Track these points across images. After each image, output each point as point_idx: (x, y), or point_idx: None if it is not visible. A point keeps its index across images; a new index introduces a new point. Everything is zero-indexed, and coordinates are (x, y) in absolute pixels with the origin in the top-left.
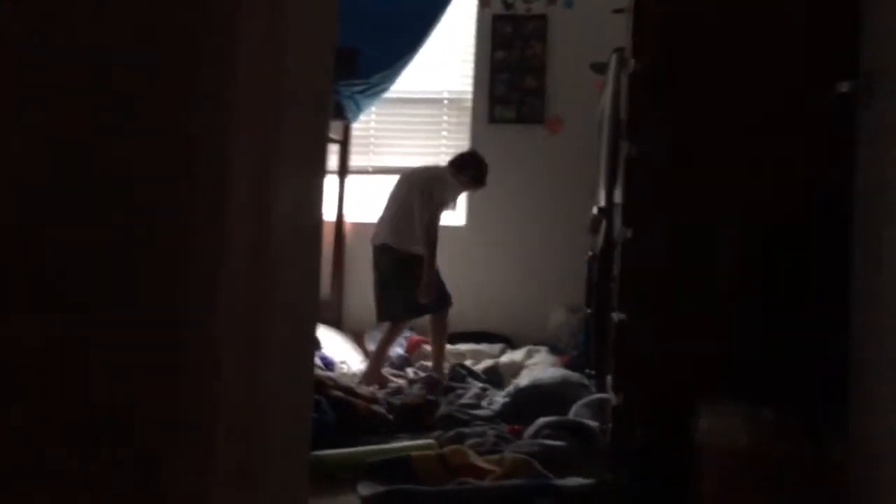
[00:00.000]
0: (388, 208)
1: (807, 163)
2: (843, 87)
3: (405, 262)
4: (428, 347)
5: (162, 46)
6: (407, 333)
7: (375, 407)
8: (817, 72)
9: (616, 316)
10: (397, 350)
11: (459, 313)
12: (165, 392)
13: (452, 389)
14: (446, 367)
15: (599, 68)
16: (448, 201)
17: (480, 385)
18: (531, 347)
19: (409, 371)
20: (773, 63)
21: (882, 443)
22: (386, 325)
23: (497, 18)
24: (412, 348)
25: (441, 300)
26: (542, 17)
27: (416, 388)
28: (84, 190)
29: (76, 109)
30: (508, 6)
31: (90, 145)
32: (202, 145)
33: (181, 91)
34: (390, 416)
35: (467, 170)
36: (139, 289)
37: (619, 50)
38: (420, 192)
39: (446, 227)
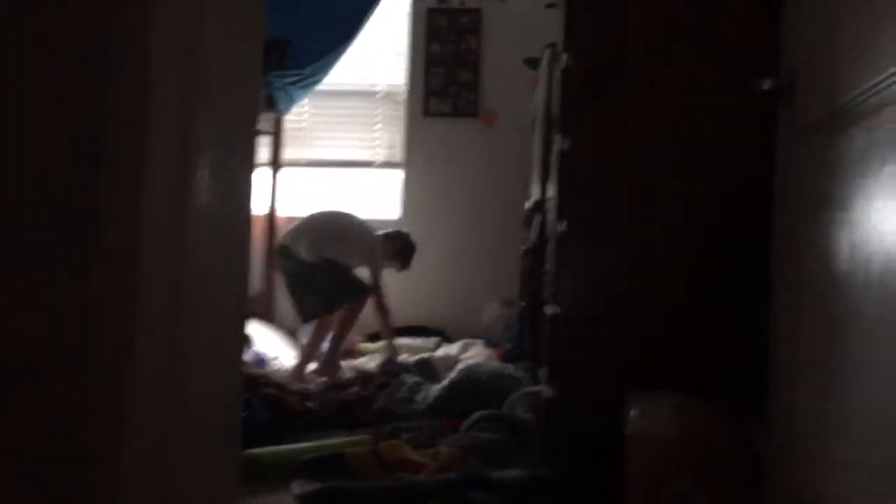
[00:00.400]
0: (314, 228)
1: (735, 159)
2: (766, 84)
3: (316, 264)
4: (361, 345)
5: (71, 28)
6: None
7: (309, 403)
8: (743, 68)
9: (550, 309)
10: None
11: (394, 308)
12: (74, 396)
13: (387, 384)
14: (376, 359)
15: (533, 63)
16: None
17: (414, 379)
18: (467, 341)
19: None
20: (701, 59)
21: (797, 432)
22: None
23: (432, 11)
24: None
25: (358, 290)
26: (477, 11)
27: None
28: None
29: None
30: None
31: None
32: (114, 135)
33: (92, 77)
34: (324, 413)
35: (396, 248)
36: (47, 287)
37: (552, 45)
38: (370, 253)
39: (382, 221)
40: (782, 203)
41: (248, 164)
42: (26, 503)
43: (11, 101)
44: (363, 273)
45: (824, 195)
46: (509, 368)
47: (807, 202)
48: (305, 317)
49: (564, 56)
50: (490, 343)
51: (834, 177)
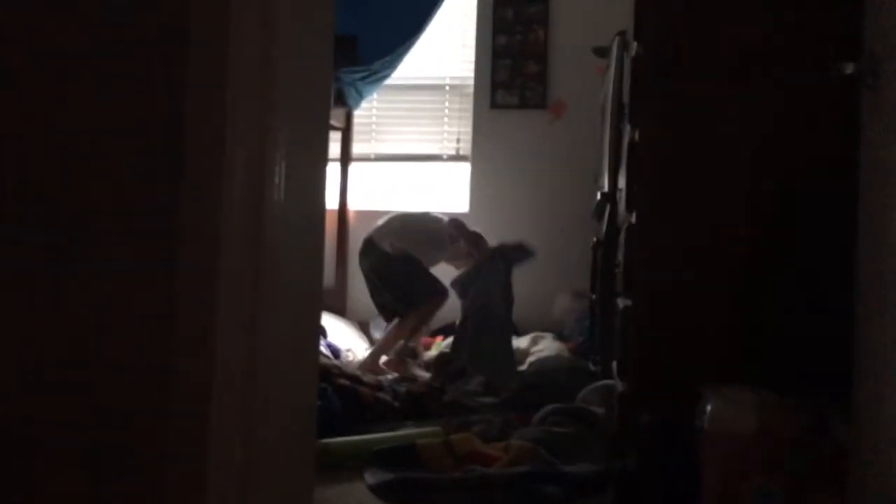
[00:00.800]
0: (402, 226)
1: (812, 145)
2: (848, 68)
3: (398, 259)
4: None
5: (152, 32)
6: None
7: (381, 394)
8: (822, 52)
9: (621, 302)
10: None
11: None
12: (159, 382)
13: (461, 376)
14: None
15: (602, 52)
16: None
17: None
18: (536, 334)
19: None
20: (777, 44)
21: (885, 425)
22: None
23: (498, 3)
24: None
25: (435, 291)
26: (544, 1)
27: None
28: (76, 187)
29: (63, 102)
30: None
31: (80, 139)
32: (195, 133)
33: (172, 79)
34: (396, 404)
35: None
36: (133, 288)
37: (622, 33)
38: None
39: (451, 214)
40: (868, 190)
41: (322, 160)
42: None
43: (96, 101)
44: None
45: None
46: (581, 362)
47: (894, 188)
48: (382, 312)
49: (635, 44)
50: (561, 336)
51: None
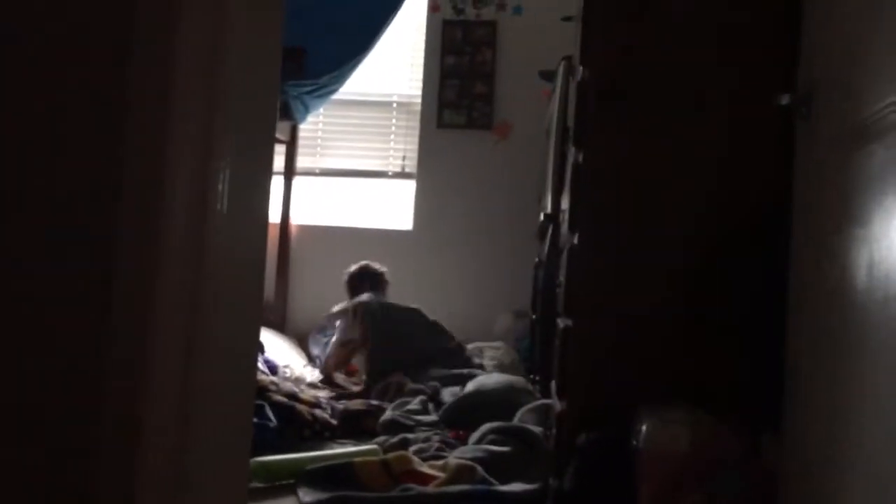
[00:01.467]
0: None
1: (751, 174)
2: (784, 99)
3: None
4: None
5: (94, 33)
6: None
7: (318, 412)
8: (763, 83)
9: (561, 321)
10: None
11: None
12: (88, 395)
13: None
14: None
15: (548, 76)
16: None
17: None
18: (479, 344)
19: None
20: (719, 74)
21: (812, 449)
22: None
23: (447, 24)
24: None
25: None
26: (492, 24)
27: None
28: (13, 191)
29: None
30: (459, 11)
31: (18, 149)
32: (136, 141)
33: (114, 82)
34: (334, 422)
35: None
36: (68, 293)
37: (568, 58)
38: None
39: (393, 231)
40: (800, 219)
41: (266, 171)
42: None
43: (31, 101)
44: None
45: (843, 211)
46: (520, 381)
47: (825, 218)
48: None
49: (580, 69)
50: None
51: (853, 193)
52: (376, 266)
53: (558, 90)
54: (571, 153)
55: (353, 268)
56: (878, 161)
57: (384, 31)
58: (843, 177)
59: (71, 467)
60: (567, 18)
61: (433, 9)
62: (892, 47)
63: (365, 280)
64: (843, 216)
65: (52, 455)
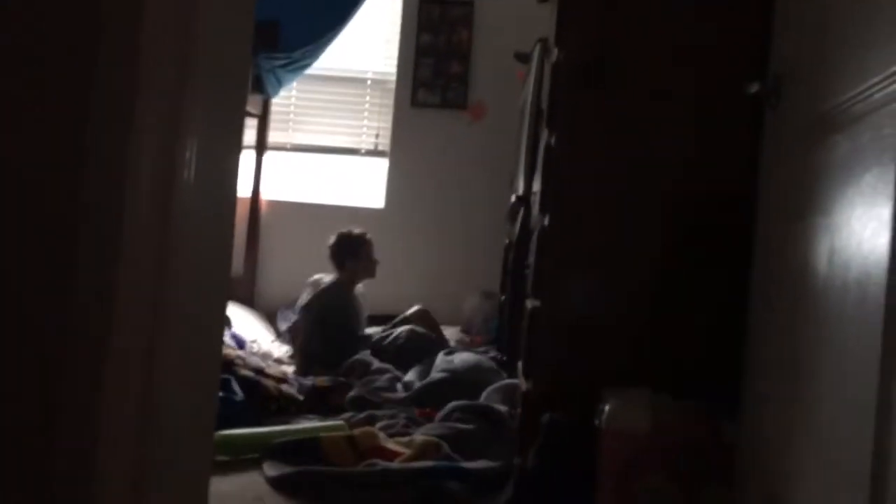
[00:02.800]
0: None
1: (720, 160)
2: (754, 87)
3: None
4: None
5: (63, 10)
6: None
7: (285, 387)
8: (733, 69)
9: (530, 303)
10: None
11: (375, 296)
12: (53, 365)
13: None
14: None
15: (523, 58)
16: None
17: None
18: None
19: None
20: (693, 59)
21: (767, 428)
22: None
23: (424, 1)
24: None
25: None
26: (470, 3)
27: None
28: None
29: None
30: None
31: None
32: (103, 111)
33: (80, 52)
34: (300, 397)
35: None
36: (33, 270)
37: (543, 40)
38: None
39: (364, 209)
40: (765, 205)
41: (236, 146)
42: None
43: None
44: None
45: (806, 199)
46: (486, 361)
47: (789, 206)
48: None
49: (555, 51)
50: (468, 334)
51: (817, 182)
52: (355, 231)
53: (533, 72)
54: (545, 135)
55: (332, 239)
56: (842, 152)
57: (360, 6)
58: (808, 166)
59: (36, 426)
60: (543, 0)
61: None
62: (860, 39)
63: (344, 249)
64: (807, 204)
65: (21, 411)
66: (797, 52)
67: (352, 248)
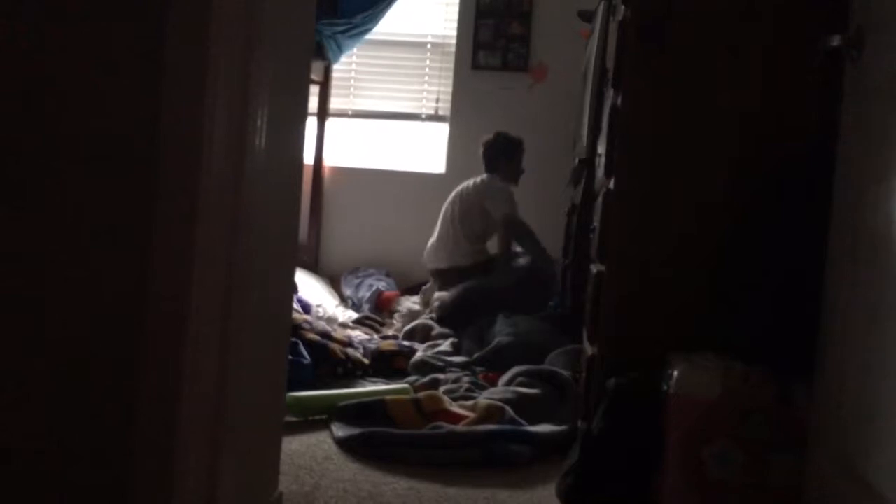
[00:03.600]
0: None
1: (796, 117)
2: (834, 41)
3: None
4: (403, 301)
5: None
6: (382, 286)
7: (350, 351)
8: (812, 22)
9: (594, 267)
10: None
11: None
12: (131, 332)
13: (428, 337)
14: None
15: (587, 16)
16: None
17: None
18: None
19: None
20: (763, 13)
21: (846, 399)
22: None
23: None
24: (384, 303)
25: None
26: None
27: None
28: (59, 129)
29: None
30: None
31: (63, 82)
32: (175, 78)
33: (154, 21)
34: (366, 360)
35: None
36: (109, 235)
37: None
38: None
39: (426, 174)
40: (844, 167)
41: (302, 111)
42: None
43: (65, 46)
44: None
45: (889, 160)
46: (550, 325)
47: (870, 167)
48: None
49: (622, 8)
50: None
51: None
52: (513, 134)
53: (597, 31)
54: (609, 96)
55: (488, 137)
56: None
57: None
58: (891, 124)
59: (121, 379)
60: None
61: None
62: None
63: (502, 149)
64: (889, 165)
65: (100, 384)
66: (881, 4)
67: (509, 149)
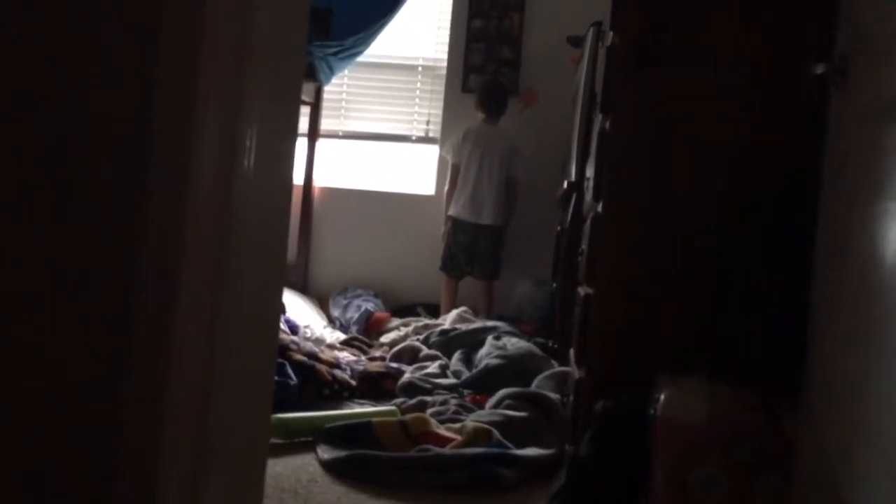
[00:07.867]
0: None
1: (785, 144)
2: (819, 68)
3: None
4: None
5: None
6: (370, 307)
7: (338, 372)
8: (796, 51)
9: (582, 290)
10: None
11: (425, 284)
12: (117, 350)
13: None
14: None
15: (576, 42)
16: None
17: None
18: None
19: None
20: (750, 41)
21: (833, 422)
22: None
23: None
24: (375, 324)
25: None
26: None
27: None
28: (42, 147)
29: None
30: None
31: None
32: (165, 98)
33: (142, 40)
34: (353, 382)
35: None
36: (98, 245)
37: (597, 24)
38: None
39: (415, 196)
40: (830, 190)
41: (292, 132)
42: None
43: (57, 61)
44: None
45: (875, 184)
46: (538, 349)
47: (856, 190)
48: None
49: (610, 34)
50: (517, 322)
51: (886, 166)
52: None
53: (587, 56)
54: (598, 120)
55: (481, 84)
56: None
57: None
58: (877, 149)
59: (104, 403)
60: None
61: None
62: None
63: (501, 96)
64: (876, 189)
65: (77, 394)
66: (866, 31)
67: (503, 97)
